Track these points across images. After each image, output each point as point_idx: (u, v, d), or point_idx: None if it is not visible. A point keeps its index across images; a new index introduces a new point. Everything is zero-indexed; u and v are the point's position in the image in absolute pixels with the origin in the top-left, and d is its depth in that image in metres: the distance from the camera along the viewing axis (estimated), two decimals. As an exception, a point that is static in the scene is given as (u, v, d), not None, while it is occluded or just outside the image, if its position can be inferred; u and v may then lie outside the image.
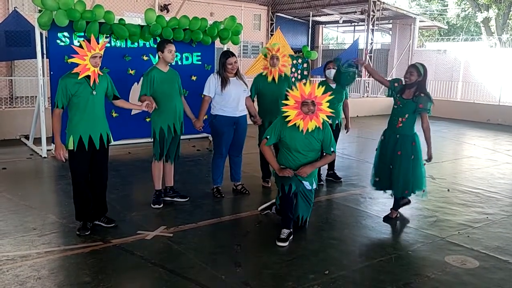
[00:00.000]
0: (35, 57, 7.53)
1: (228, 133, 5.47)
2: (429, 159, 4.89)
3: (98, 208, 4.52)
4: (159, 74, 4.99)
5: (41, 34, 7.43)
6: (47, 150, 7.64)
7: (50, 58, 7.41)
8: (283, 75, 5.87)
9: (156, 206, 5.18)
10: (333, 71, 6.12)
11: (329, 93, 4.44)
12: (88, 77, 4.21)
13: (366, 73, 16.50)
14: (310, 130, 4.37)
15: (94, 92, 4.26)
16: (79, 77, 4.17)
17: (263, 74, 5.90)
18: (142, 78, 5.04)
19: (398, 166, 4.86)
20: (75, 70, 4.18)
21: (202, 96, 5.46)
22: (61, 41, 7.31)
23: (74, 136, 4.22)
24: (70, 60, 4.19)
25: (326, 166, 6.52)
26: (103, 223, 4.56)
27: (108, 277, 3.56)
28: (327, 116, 4.47)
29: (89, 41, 4.18)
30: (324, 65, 6.38)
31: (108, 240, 4.24)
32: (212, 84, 5.38)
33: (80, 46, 4.17)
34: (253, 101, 5.94)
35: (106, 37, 7.61)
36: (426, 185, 5.03)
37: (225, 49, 9.24)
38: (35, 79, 8.23)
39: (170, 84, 5.04)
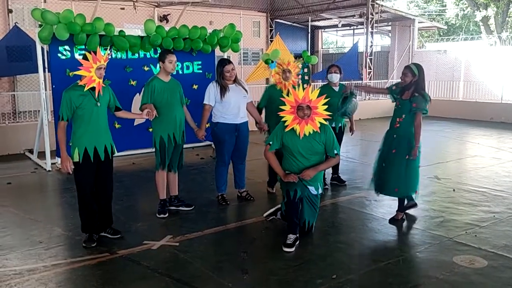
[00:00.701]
0: (37, 72, 7.57)
1: (230, 141, 5.47)
2: (412, 156, 4.81)
3: (104, 219, 4.53)
4: (160, 83, 5.02)
5: (42, 48, 7.48)
6: (52, 164, 7.66)
7: (51, 72, 7.45)
8: (296, 86, 5.87)
9: (161, 215, 5.18)
10: (334, 75, 6.13)
11: (324, 96, 4.40)
12: (93, 89, 4.24)
13: (367, 75, 16.53)
14: (307, 134, 4.37)
15: (99, 104, 4.29)
16: (85, 89, 4.20)
17: (278, 88, 5.90)
18: (143, 88, 5.06)
19: (391, 164, 4.89)
20: (81, 82, 4.20)
21: (203, 105, 5.48)
22: (62, 54, 7.36)
23: (79, 148, 4.24)
24: (75, 72, 4.21)
25: (330, 170, 6.50)
26: (109, 235, 4.56)
27: (116, 288, 3.57)
28: (327, 119, 4.46)
29: (95, 53, 4.21)
30: (326, 69, 6.39)
31: (114, 251, 4.24)
32: (211, 92, 5.40)
33: (85, 58, 4.19)
34: (261, 110, 5.96)
35: (108, 49, 7.64)
36: (419, 188, 4.99)
37: (226, 57, 9.31)
38: (38, 93, 8.26)
39: (171, 94, 5.06)
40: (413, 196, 5.03)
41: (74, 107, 4.20)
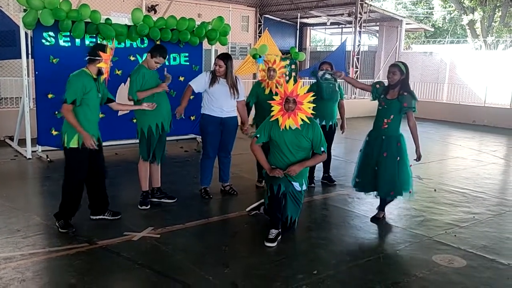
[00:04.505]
0: (20, 57, 7.41)
1: (214, 133, 5.45)
2: (418, 158, 4.88)
3: (102, 203, 4.68)
4: (147, 72, 5.01)
5: (26, 34, 7.33)
6: (32, 152, 7.53)
7: (35, 58, 7.31)
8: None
9: (143, 207, 5.14)
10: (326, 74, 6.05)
11: (311, 93, 4.38)
12: (95, 79, 4.36)
13: (354, 74, 16.60)
14: (287, 128, 4.35)
15: (100, 95, 4.45)
16: (102, 79, 4.41)
17: (262, 85, 5.89)
18: (131, 76, 4.99)
19: (383, 168, 4.84)
20: (104, 75, 4.39)
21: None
22: (47, 40, 7.22)
23: (79, 134, 4.29)
24: (99, 65, 4.34)
25: (321, 168, 6.48)
26: (108, 217, 4.69)
27: (94, 278, 3.51)
28: (318, 116, 4.45)
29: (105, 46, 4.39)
30: (318, 66, 6.29)
31: (94, 241, 4.19)
32: (200, 78, 5.45)
33: (102, 51, 4.30)
34: (251, 107, 5.94)
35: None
36: (413, 186, 5.02)
37: (213, 49, 9.25)
38: (20, 79, 8.10)
39: (156, 82, 5.04)
40: (408, 195, 4.97)
41: (84, 92, 4.26)
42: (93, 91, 4.33)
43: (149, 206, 5.17)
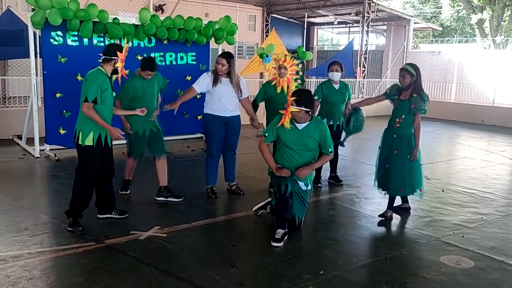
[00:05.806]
0: (28, 57, 7.46)
1: (218, 133, 5.45)
2: (413, 158, 4.89)
3: (109, 201, 4.70)
4: (139, 83, 5.13)
5: (34, 33, 7.37)
6: (40, 150, 7.57)
7: (43, 58, 7.35)
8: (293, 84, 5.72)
9: (123, 192, 5.59)
10: (335, 74, 6.01)
11: (292, 103, 4.30)
12: (110, 78, 4.42)
13: (361, 74, 16.55)
14: (298, 128, 4.36)
15: (114, 93, 4.50)
16: (115, 77, 4.49)
17: (272, 83, 5.84)
18: (126, 82, 5.09)
19: (393, 165, 4.92)
20: (121, 73, 4.47)
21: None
22: (55, 40, 7.25)
23: (94, 132, 4.35)
24: (117, 65, 4.42)
25: (328, 169, 6.45)
26: (115, 215, 4.72)
27: (101, 277, 3.52)
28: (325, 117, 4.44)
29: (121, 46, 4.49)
30: (327, 66, 6.26)
31: (101, 240, 4.20)
32: (203, 79, 5.45)
33: (119, 50, 4.38)
34: (257, 106, 5.92)
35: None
36: (423, 185, 5.04)
37: (220, 49, 9.25)
38: (29, 79, 8.15)
39: (147, 91, 5.15)
40: (418, 193, 5.09)
41: (101, 91, 4.30)
42: (109, 90, 4.37)
43: (128, 192, 5.61)
